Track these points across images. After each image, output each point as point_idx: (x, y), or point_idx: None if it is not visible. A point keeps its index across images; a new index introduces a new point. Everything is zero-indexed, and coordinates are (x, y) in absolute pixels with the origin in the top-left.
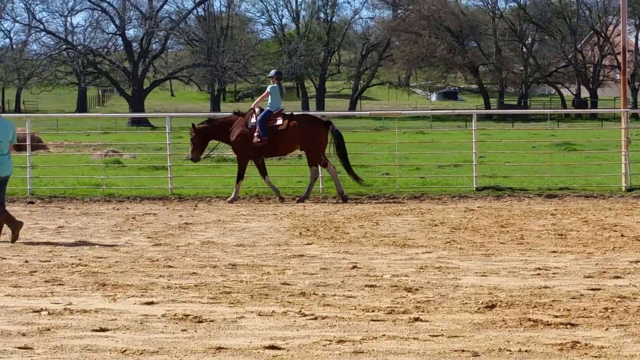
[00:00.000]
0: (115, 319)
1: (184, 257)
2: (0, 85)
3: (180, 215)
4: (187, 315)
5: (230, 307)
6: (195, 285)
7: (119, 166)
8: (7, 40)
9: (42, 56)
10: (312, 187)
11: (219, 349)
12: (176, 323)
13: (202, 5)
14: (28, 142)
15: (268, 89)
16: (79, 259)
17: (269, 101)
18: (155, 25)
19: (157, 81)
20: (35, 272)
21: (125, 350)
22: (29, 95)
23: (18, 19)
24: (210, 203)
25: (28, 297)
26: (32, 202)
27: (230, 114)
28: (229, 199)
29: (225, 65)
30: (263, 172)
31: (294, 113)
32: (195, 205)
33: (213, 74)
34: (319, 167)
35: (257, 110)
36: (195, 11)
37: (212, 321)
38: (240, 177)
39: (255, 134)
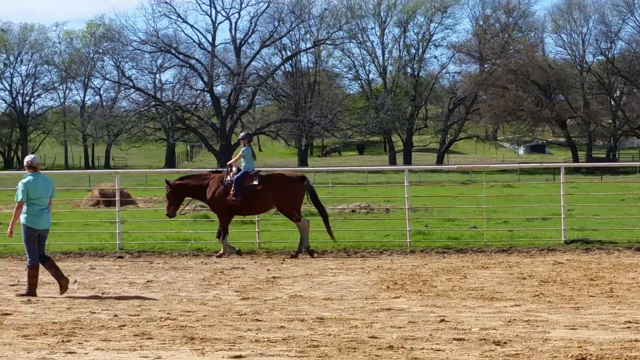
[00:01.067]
0: None
1: (271, 311)
2: (90, 142)
3: (268, 269)
4: None
5: None
6: (283, 339)
7: (207, 220)
8: (97, 97)
9: (131, 113)
10: (305, 240)
11: None
12: None
13: (290, 61)
14: (117, 198)
15: (241, 152)
16: (168, 313)
17: (243, 163)
18: (243, 81)
19: None
20: (124, 326)
21: None
22: (118, 151)
23: (108, 76)
24: (297, 257)
25: (117, 350)
26: (121, 257)
27: (206, 171)
28: (217, 254)
29: (312, 120)
30: (226, 231)
31: (269, 174)
32: (283, 260)
33: (300, 129)
34: (302, 220)
35: (234, 169)
36: (282, 67)
37: None
38: (224, 231)
39: (231, 193)
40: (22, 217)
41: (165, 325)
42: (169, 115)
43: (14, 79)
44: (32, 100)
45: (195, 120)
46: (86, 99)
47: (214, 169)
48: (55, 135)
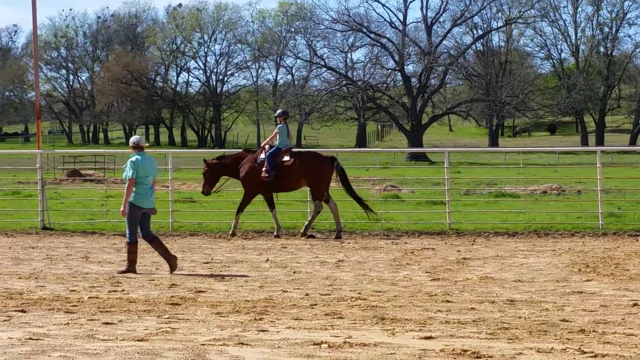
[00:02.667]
0: (394, 353)
1: (462, 292)
2: None
3: (458, 250)
4: (465, 351)
5: (508, 343)
6: (473, 321)
7: (398, 201)
8: (289, 76)
9: (323, 92)
10: (313, 220)
11: None
12: (454, 358)
13: (481, 40)
14: None
15: (277, 129)
16: (359, 293)
17: (278, 139)
18: (434, 60)
19: (435, 116)
20: (315, 305)
21: None
22: (310, 130)
23: (300, 55)
24: (488, 238)
25: (309, 329)
26: (312, 236)
27: (240, 151)
28: (229, 232)
29: (503, 100)
30: (271, 206)
31: (301, 150)
32: (474, 241)
33: (491, 108)
34: (322, 202)
35: (267, 147)
36: (473, 46)
37: (490, 357)
38: (240, 209)
39: (264, 169)
40: (131, 196)
41: (356, 305)
42: (360, 95)
43: (208, 58)
44: (226, 79)
45: (386, 99)
46: (278, 77)
47: (247, 149)
48: (248, 113)
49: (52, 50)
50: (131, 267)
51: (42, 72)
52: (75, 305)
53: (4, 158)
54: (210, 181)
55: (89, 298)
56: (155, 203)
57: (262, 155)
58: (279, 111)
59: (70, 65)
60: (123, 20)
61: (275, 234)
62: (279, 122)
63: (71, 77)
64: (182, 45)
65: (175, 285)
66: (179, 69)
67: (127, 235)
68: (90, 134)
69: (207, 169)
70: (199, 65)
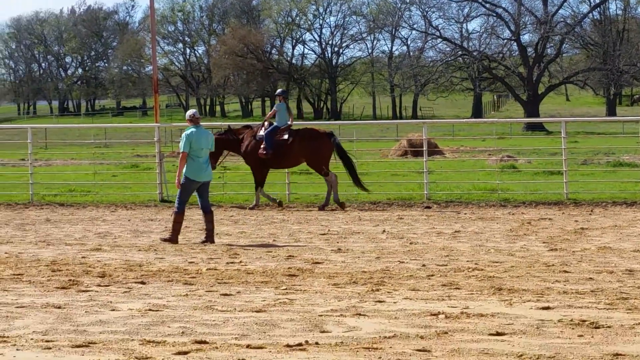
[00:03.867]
0: (512, 324)
1: (579, 263)
2: (397, 92)
3: (576, 220)
4: (583, 321)
5: (627, 313)
6: (592, 291)
7: (514, 171)
8: (405, 47)
9: (438, 63)
10: (330, 195)
11: (617, 355)
12: (572, 328)
13: (598, 9)
14: (425, 148)
15: (275, 107)
16: (475, 264)
17: (277, 118)
18: (550, 29)
19: (552, 86)
20: (432, 275)
21: (521, 355)
22: (426, 101)
23: (415, 26)
24: (606, 208)
25: (425, 300)
26: (428, 207)
27: (242, 126)
28: (250, 206)
29: (621, 69)
30: (259, 184)
31: (299, 129)
32: (591, 211)
33: (609, 77)
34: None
35: (266, 124)
36: (590, 15)
37: (609, 327)
38: (258, 184)
39: (262, 147)
40: (185, 169)
41: (473, 276)
42: (475, 65)
43: (323, 30)
44: (341, 51)
45: (502, 69)
46: (393, 49)
47: (247, 125)
48: (364, 85)
49: (169, 24)
50: (173, 237)
51: (159, 46)
52: (193, 277)
53: (122, 132)
54: (214, 155)
55: (207, 270)
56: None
57: (261, 132)
58: (278, 90)
59: (186, 39)
60: None
61: (250, 206)
62: (278, 101)
63: (188, 50)
64: (297, 18)
65: (293, 256)
66: (294, 41)
67: (176, 205)
68: (207, 107)
69: None
70: (314, 37)
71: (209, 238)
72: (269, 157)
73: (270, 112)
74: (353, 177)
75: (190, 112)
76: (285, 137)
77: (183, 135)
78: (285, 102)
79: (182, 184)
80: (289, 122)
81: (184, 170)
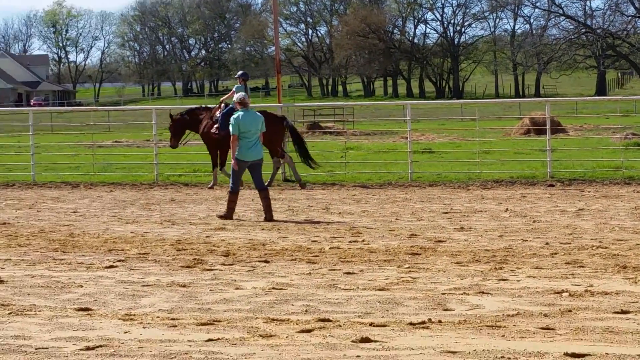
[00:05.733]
0: (636, 302)
1: None
2: (520, 70)
3: None
4: None
5: None
6: None
7: (639, 149)
8: (527, 25)
9: (561, 40)
10: (275, 175)
11: None
12: None
13: None
14: (548, 126)
15: (234, 89)
16: (599, 242)
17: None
18: None
19: None
20: (556, 254)
21: None
22: (548, 80)
23: (537, 4)
24: (271, 185)
25: (549, 278)
26: (552, 185)
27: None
28: (208, 186)
29: None
30: (215, 164)
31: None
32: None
33: None
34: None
35: (222, 105)
36: None
37: None
38: (214, 164)
39: (215, 126)
40: (236, 151)
41: (597, 254)
42: (599, 43)
43: (445, 9)
44: (463, 29)
45: (627, 46)
46: (516, 27)
47: (206, 106)
48: (486, 64)
49: (291, 5)
50: (229, 214)
51: (281, 27)
52: (317, 256)
53: None
54: (176, 135)
55: (330, 248)
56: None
57: (218, 113)
58: (239, 72)
59: (308, 19)
60: None
61: (209, 186)
62: (238, 83)
63: (310, 31)
64: None
65: (415, 235)
66: (416, 20)
67: (230, 185)
68: (329, 87)
69: (171, 124)
70: (436, 16)
71: (267, 214)
72: (222, 137)
73: (228, 94)
74: (302, 154)
75: (238, 95)
76: None
77: (231, 118)
78: (244, 85)
79: (233, 164)
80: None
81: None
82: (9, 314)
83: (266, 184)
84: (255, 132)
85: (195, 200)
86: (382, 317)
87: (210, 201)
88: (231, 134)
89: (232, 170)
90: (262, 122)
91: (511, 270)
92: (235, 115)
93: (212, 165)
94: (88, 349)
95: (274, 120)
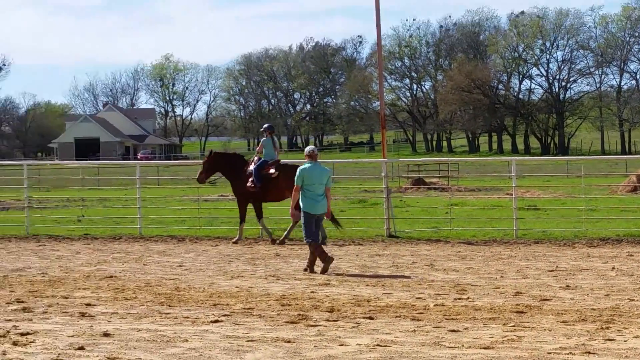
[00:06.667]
0: None
1: None
2: (626, 127)
3: None
4: None
5: None
6: None
7: None
8: (634, 81)
9: None
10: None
11: None
12: None
13: None
14: None
15: (262, 142)
16: None
17: (264, 152)
18: None
19: None
20: None
21: None
22: None
23: None
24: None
25: None
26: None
27: (236, 154)
28: (233, 240)
29: None
30: (259, 215)
31: (286, 164)
32: None
33: None
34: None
35: (255, 159)
36: None
37: None
38: (241, 219)
39: (250, 180)
40: (302, 203)
41: None
42: None
43: (550, 65)
44: (568, 85)
45: None
46: (622, 83)
47: (241, 156)
48: (592, 120)
49: (395, 59)
50: (311, 267)
51: (386, 81)
52: (421, 313)
53: (350, 167)
54: (207, 171)
55: (434, 305)
56: (328, 207)
57: (251, 167)
58: (265, 125)
59: (413, 74)
60: (466, 29)
61: (234, 241)
62: (265, 136)
63: (414, 86)
64: (524, 53)
65: (520, 293)
66: (521, 76)
67: (305, 238)
68: (434, 142)
69: (206, 160)
70: (540, 72)
71: (325, 264)
72: (256, 190)
73: (258, 148)
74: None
75: (308, 148)
76: (272, 171)
77: (297, 169)
78: (272, 137)
79: (303, 218)
80: (276, 157)
81: (299, 203)
82: None
83: (282, 237)
84: (320, 185)
85: (299, 255)
86: None
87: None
88: (295, 184)
89: (303, 225)
90: (329, 177)
91: (618, 330)
92: (301, 167)
93: (240, 219)
94: None
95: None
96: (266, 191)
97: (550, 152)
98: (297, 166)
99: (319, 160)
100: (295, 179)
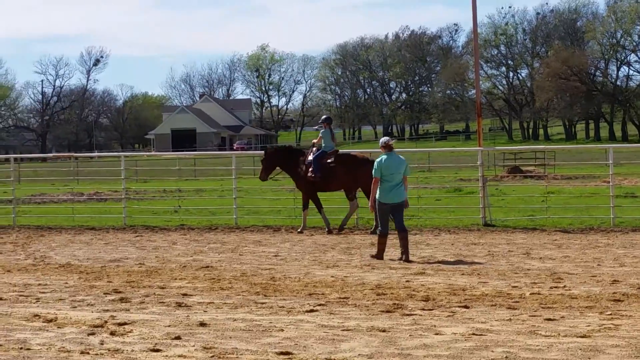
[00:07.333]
0: None
1: None
2: None
3: None
4: None
5: None
6: None
7: None
8: None
9: None
10: (347, 219)
11: None
12: None
13: None
14: None
15: (320, 134)
16: None
17: (323, 143)
18: None
19: None
20: None
21: None
22: None
23: None
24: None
25: None
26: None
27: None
28: (298, 230)
29: None
30: (319, 206)
31: (342, 153)
32: None
33: None
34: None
35: (314, 149)
36: None
37: None
38: (305, 207)
39: (310, 170)
40: (378, 194)
41: None
42: None
43: None
44: None
45: None
46: None
47: (298, 148)
48: None
49: (491, 47)
50: (379, 255)
51: (482, 69)
52: (517, 302)
53: (446, 156)
54: (266, 168)
55: (530, 294)
56: (406, 196)
57: (310, 157)
58: (323, 117)
59: (509, 62)
60: (563, 16)
61: (299, 230)
62: (323, 128)
63: (511, 74)
64: (622, 39)
65: (617, 281)
66: (618, 62)
67: (378, 228)
68: (530, 130)
69: (264, 158)
70: (639, 58)
71: (404, 254)
72: (317, 179)
73: (317, 139)
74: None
75: (382, 139)
76: (330, 160)
77: (375, 162)
78: (330, 128)
79: (377, 208)
80: (334, 147)
81: (377, 194)
82: (212, 357)
83: (340, 225)
84: (398, 174)
85: (395, 244)
86: None
87: (409, 245)
88: (373, 176)
89: (376, 213)
90: (407, 166)
91: None
92: (378, 159)
93: (303, 207)
94: None
95: (356, 163)
96: (326, 181)
97: None
98: (354, 155)
99: (394, 150)
100: (374, 171)
